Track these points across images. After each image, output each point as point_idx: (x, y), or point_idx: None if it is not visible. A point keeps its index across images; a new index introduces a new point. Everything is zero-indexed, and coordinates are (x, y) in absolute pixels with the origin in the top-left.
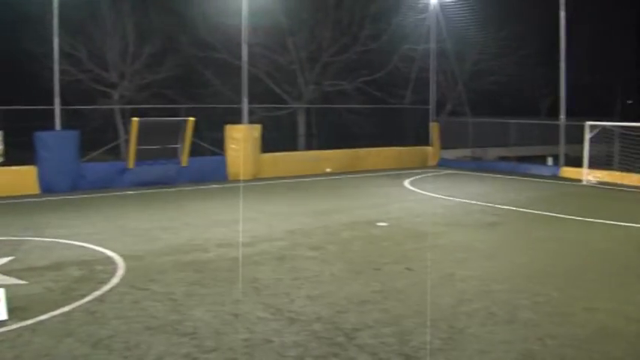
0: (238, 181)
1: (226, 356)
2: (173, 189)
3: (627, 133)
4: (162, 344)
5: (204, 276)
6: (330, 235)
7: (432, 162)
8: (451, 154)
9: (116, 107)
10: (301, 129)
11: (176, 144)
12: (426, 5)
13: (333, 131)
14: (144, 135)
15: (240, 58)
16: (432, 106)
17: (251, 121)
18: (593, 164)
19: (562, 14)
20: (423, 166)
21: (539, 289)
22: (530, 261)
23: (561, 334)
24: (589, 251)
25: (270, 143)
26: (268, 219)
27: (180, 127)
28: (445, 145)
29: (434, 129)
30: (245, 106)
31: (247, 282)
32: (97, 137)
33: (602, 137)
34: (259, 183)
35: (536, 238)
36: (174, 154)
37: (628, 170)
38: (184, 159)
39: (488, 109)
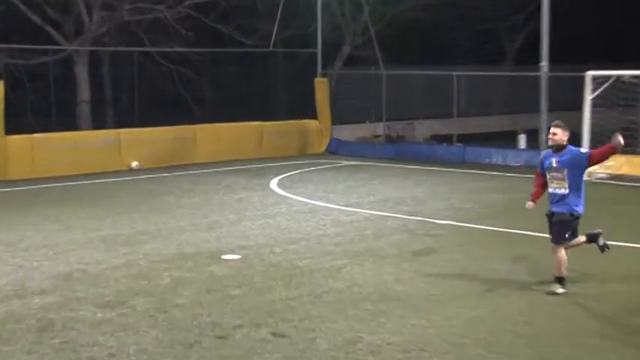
0: None
1: None
2: None
3: None
4: None
5: None
6: (138, 279)
7: (319, 147)
8: (351, 132)
9: None
10: (84, 90)
11: None
12: None
13: (144, 95)
14: None
15: None
16: (319, 50)
17: None
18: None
19: None
20: (302, 153)
21: None
22: (489, 314)
23: None
24: (587, 295)
25: (24, 116)
26: (23, 256)
27: None
28: (340, 119)
29: (321, 88)
30: None
31: None
32: None
33: (614, 97)
34: (3, 189)
35: (499, 274)
36: None
37: None
38: None
39: (415, 55)
